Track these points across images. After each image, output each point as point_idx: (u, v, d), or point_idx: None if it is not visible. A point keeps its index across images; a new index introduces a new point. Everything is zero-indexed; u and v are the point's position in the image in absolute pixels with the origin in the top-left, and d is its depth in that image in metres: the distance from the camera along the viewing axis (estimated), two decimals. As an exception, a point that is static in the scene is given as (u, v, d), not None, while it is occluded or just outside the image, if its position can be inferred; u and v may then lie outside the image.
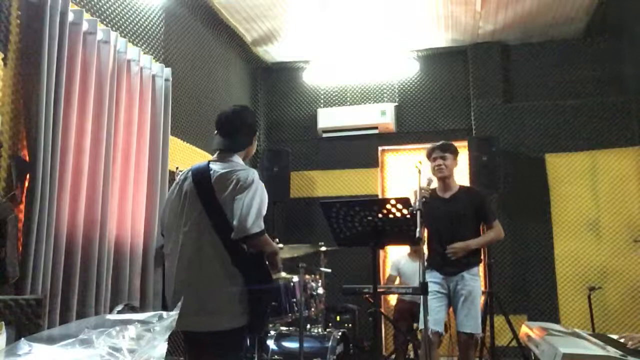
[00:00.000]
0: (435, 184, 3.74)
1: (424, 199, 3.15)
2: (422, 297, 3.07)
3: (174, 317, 1.28)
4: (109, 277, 3.61)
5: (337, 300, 5.22)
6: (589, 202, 5.66)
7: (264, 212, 2.54)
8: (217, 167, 2.62)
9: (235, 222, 2.44)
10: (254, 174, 2.58)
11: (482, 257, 3.83)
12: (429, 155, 3.85)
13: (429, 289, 3.66)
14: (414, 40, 6.04)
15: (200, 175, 2.62)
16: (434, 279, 3.64)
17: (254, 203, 2.48)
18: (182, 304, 2.38)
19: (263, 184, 2.61)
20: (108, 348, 1.18)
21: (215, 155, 2.73)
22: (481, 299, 3.83)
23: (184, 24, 5.03)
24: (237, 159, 2.70)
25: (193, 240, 2.55)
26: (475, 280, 3.65)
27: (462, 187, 3.87)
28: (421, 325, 3.62)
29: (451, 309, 3.76)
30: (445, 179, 3.79)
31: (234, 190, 2.50)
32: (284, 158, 6.05)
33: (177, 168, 3.54)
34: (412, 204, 2.98)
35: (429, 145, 3.92)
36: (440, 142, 3.88)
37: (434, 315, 3.51)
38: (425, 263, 3.94)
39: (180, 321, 2.49)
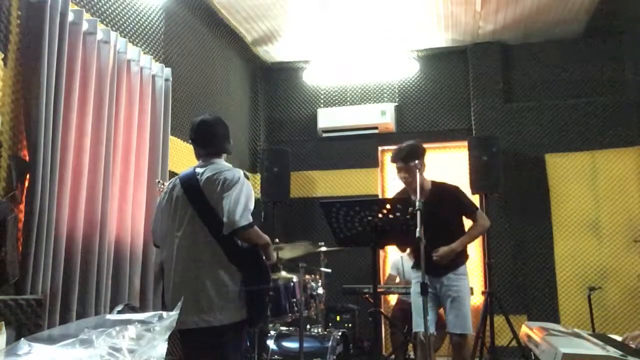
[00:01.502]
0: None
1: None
2: (420, 298, 3.05)
3: (174, 317, 1.28)
4: (109, 277, 3.61)
5: (337, 300, 5.23)
6: (589, 202, 5.66)
7: (251, 207, 2.63)
8: (203, 171, 2.70)
9: (224, 218, 2.53)
10: (239, 172, 2.68)
11: (468, 254, 3.74)
12: (393, 163, 3.63)
13: (417, 290, 3.62)
14: (414, 40, 6.04)
15: (188, 181, 2.71)
16: (421, 279, 3.58)
17: (241, 198, 2.57)
18: (182, 303, 2.41)
19: (250, 183, 2.71)
20: (108, 348, 1.19)
21: (200, 161, 2.81)
22: (471, 298, 3.76)
23: (184, 24, 5.03)
24: (221, 161, 2.79)
25: (188, 242, 2.63)
26: (462, 280, 3.58)
27: (435, 185, 3.66)
28: (416, 327, 3.59)
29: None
30: (414, 188, 3.53)
31: (222, 189, 2.59)
32: (284, 158, 6.04)
33: (158, 181, 3.56)
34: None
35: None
36: (401, 150, 3.58)
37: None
38: (412, 262, 3.91)
39: (182, 320, 2.52)
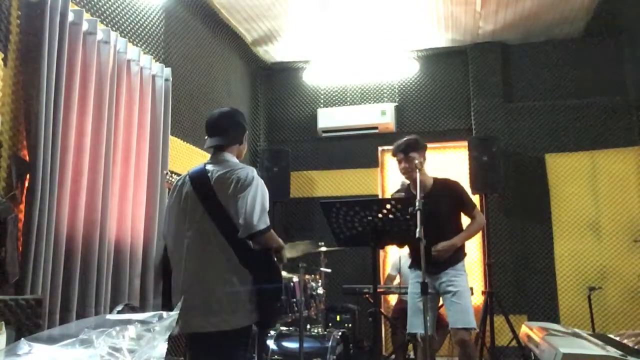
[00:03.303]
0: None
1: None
2: (422, 298, 3.03)
3: (174, 317, 1.28)
4: (109, 277, 3.61)
5: (337, 300, 5.23)
6: (589, 202, 5.66)
7: (267, 207, 2.55)
8: (214, 169, 2.61)
9: (240, 221, 2.43)
10: (252, 171, 2.59)
11: (465, 251, 3.73)
12: (394, 156, 3.68)
13: (415, 290, 3.60)
14: (414, 40, 6.04)
15: (199, 178, 2.61)
16: (419, 279, 3.57)
17: (257, 200, 2.48)
18: (191, 306, 2.37)
19: (262, 180, 2.62)
20: (108, 348, 1.18)
21: (210, 157, 2.72)
22: (471, 294, 3.75)
23: (184, 24, 5.03)
24: (232, 158, 2.68)
25: (198, 243, 2.55)
26: (461, 275, 3.57)
27: (436, 181, 3.69)
28: (411, 329, 3.57)
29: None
30: (415, 179, 3.57)
31: (235, 189, 2.49)
32: (284, 158, 6.05)
33: (166, 173, 3.51)
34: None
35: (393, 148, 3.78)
36: (402, 142, 3.64)
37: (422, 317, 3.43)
38: (409, 261, 3.90)
39: (190, 323, 2.49)
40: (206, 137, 2.76)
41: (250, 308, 2.49)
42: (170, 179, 3.26)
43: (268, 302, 2.55)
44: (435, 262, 3.49)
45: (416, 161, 3.53)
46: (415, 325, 3.55)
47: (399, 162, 3.63)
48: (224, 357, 2.50)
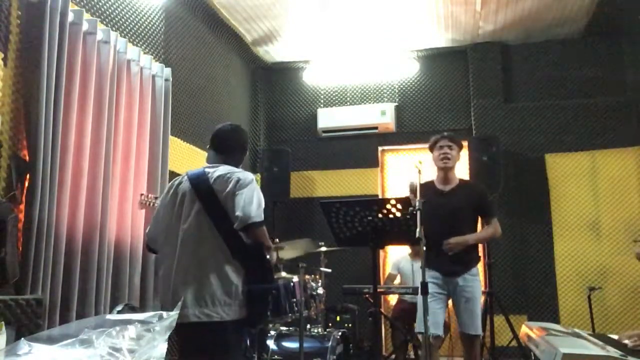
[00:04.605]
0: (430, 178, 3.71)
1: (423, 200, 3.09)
2: (421, 298, 3.02)
3: (174, 317, 1.28)
4: (109, 277, 3.61)
5: (337, 300, 5.23)
6: (589, 202, 5.66)
7: (263, 207, 2.66)
8: (214, 171, 2.70)
9: (238, 212, 2.53)
10: (251, 175, 2.71)
11: (480, 254, 3.76)
12: (434, 144, 3.73)
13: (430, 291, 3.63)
14: (414, 40, 6.04)
15: (198, 177, 2.70)
16: (434, 279, 3.53)
17: (255, 197, 2.60)
18: (184, 298, 2.42)
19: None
20: (108, 348, 1.19)
21: (209, 163, 2.83)
22: (481, 299, 3.79)
23: (184, 24, 5.03)
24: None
25: (192, 237, 2.61)
26: (476, 281, 3.59)
27: (462, 181, 3.75)
28: (420, 328, 3.56)
29: (450, 309, 3.73)
30: (447, 171, 3.67)
31: (235, 187, 2.59)
32: (284, 158, 6.05)
33: (142, 195, 3.82)
34: (410, 190, 2.96)
35: (425, 146, 3.84)
36: (447, 133, 3.78)
37: (433, 317, 3.40)
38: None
39: (183, 313, 2.52)
40: (209, 147, 2.85)
41: (242, 302, 2.56)
42: (146, 200, 3.35)
43: (258, 298, 2.61)
44: (451, 262, 3.51)
45: (452, 151, 3.64)
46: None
47: (441, 147, 3.68)
48: (215, 348, 2.53)
